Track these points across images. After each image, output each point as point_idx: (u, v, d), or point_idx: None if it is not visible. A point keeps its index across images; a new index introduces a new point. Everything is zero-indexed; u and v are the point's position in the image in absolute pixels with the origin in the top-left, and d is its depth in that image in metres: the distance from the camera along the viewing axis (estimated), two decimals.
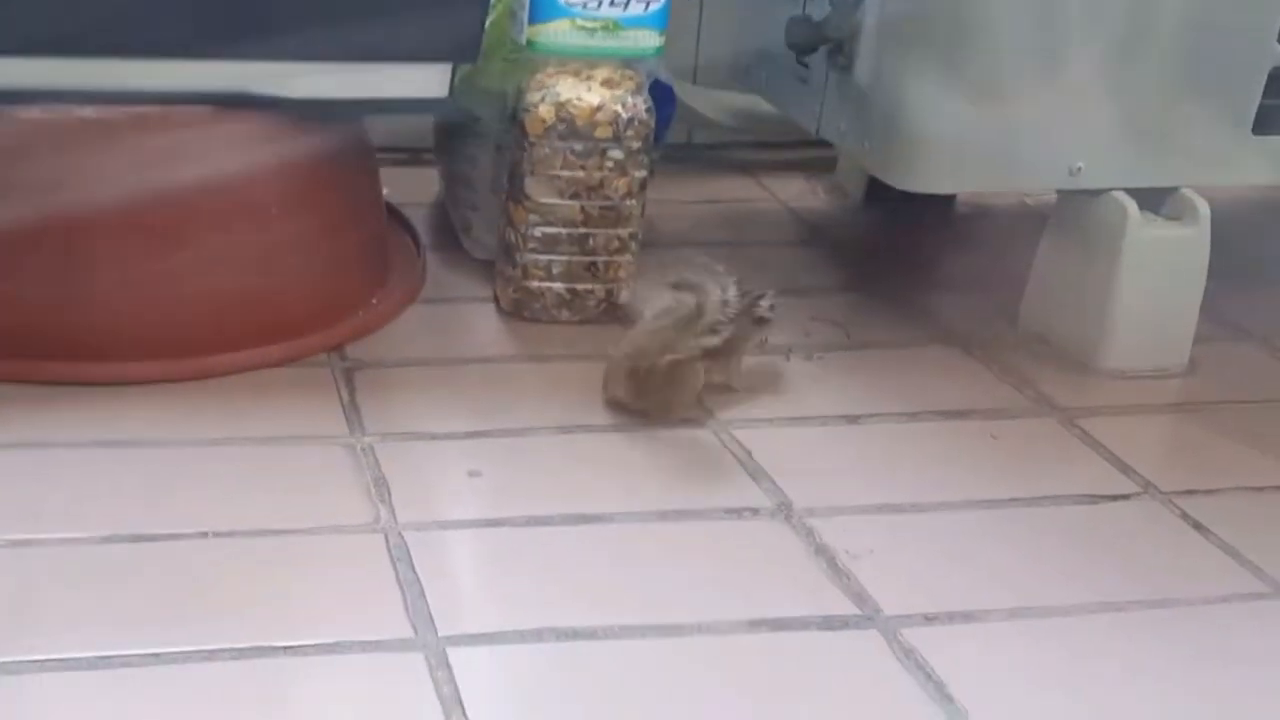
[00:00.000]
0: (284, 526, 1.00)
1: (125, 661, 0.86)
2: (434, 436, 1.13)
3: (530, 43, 1.28)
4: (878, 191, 1.60)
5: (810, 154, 1.72)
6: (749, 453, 1.13)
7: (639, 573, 0.98)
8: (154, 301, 1.18)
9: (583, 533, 1.02)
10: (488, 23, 1.25)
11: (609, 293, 1.31)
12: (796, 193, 1.70)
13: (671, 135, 1.53)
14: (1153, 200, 1.29)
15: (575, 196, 1.28)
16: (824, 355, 1.30)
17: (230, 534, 0.99)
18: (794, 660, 0.91)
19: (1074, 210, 1.32)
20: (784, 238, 1.59)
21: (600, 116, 1.26)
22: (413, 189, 1.52)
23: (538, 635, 0.91)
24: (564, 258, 1.30)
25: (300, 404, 1.15)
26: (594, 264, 1.30)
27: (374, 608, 0.92)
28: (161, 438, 1.09)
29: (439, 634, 0.90)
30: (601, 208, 1.29)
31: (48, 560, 0.95)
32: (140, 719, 0.82)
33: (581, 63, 1.28)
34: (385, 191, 1.38)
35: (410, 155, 1.59)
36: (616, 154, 1.27)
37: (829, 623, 0.94)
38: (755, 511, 1.06)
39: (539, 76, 1.28)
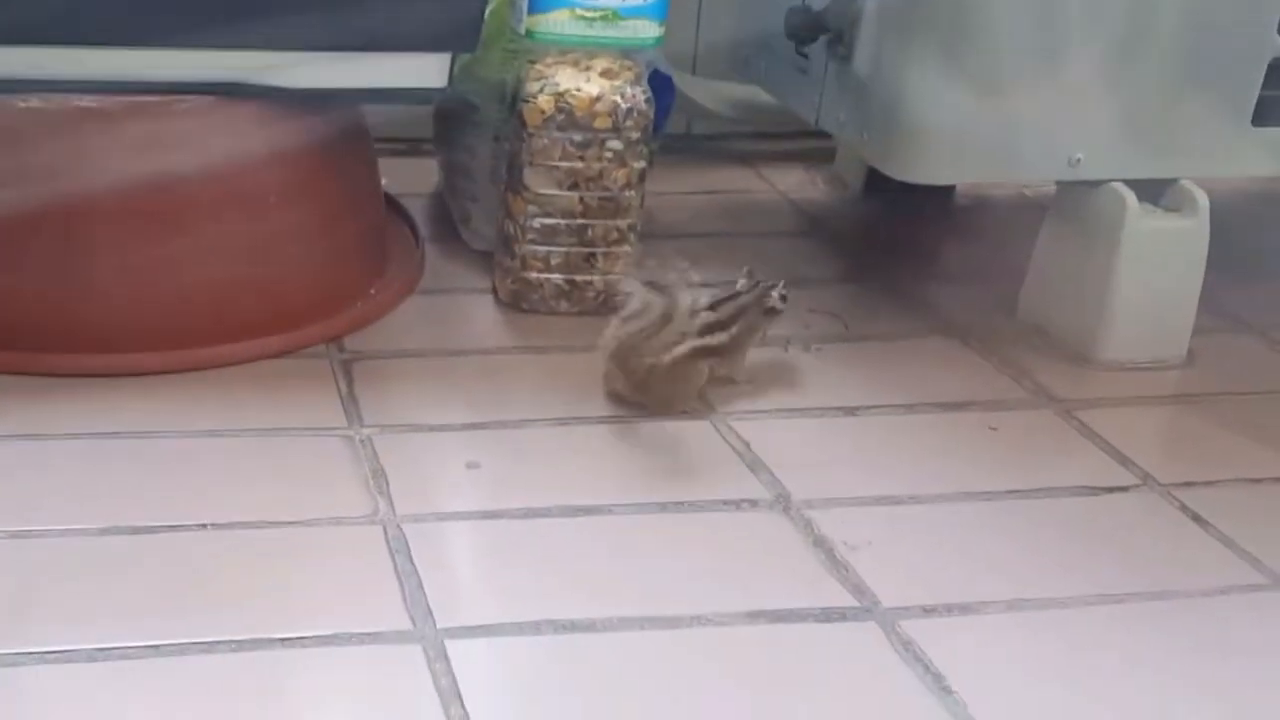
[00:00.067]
0: (282, 518, 1.00)
1: (124, 653, 0.86)
2: (432, 428, 1.13)
3: (529, 32, 1.28)
4: (877, 182, 1.60)
5: (809, 145, 1.72)
6: (747, 444, 1.13)
7: (637, 564, 0.98)
8: (152, 292, 1.18)
9: (581, 524, 1.02)
10: (487, 12, 1.25)
11: (608, 284, 1.31)
12: (795, 183, 1.70)
13: (670, 126, 1.52)
14: (1152, 191, 1.29)
15: (574, 187, 1.28)
16: (822, 347, 1.30)
17: (229, 526, 0.99)
18: (792, 652, 0.91)
19: (1073, 201, 1.32)
20: (783, 229, 1.59)
21: (599, 107, 1.26)
22: (411, 179, 1.52)
23: (536, 627, 0.91)
24: (563, 249, 1.30)
25: (299, 395, 1.15)
26: (593, 255, 1.30)
27: (372, 599, 0.92)
28: (160, 429, 1.09)
29: (437, 626, 0.90)
30: (600, 199, 1.28)
31: (47, 552, 0.95)
32: (139, 711, 0.82)
33: (581, 53, 1.28)
34: (384, 182, 1.38)
35: (409, 145, 1.59)
36: (615, 145, 1.27)
37: (827, 614, 0.94)
38: (754, 503, 1.06)
39: (538, 66, 1.28)
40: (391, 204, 1.42)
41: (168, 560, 0.95)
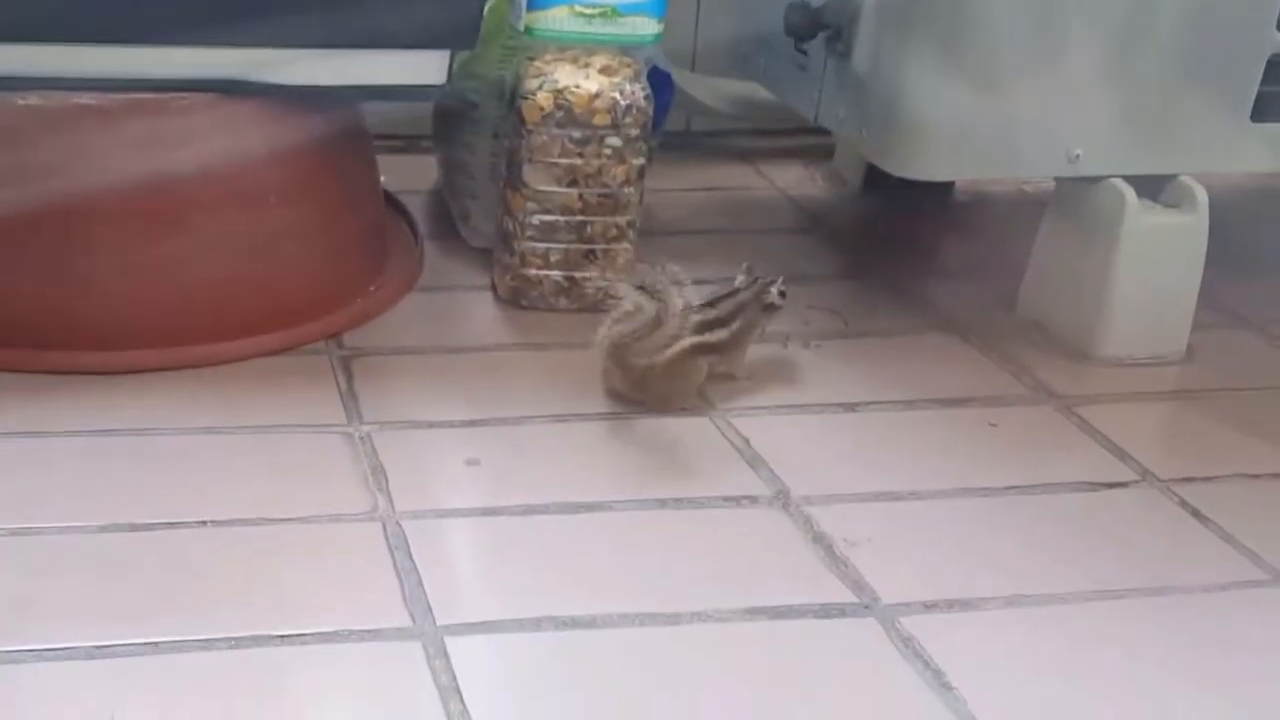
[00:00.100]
0: (282, 515, 1.00)
1: (124, 651, 0.86)
2: (432, 425, 1.13)
3: (528, 29, 1.28)
4: (876, 179, 1.60)
5: (809, 141, 1.72)
6: (747, 441, 1.13)
7: (637, 561, 0.98)
8: (152, 290, 1.18)
9: (580, 521, 1.02)
10: (486, 9, 1.25)
11: (607, 280, 1.31)
12: (795, 180, 1.70)
13: (670, 122, 1.52)
14: (1151, 187, 1.29)
15: (573, 184, 1.28)
16: (822, 343, 1.30)
17: (228, 523, 0.98)
18: (792, 648, 0.91)
19: (1072, 198, 1.32)
20: (782, 225, 1.59)
21: (598, 104, 1.26)
22: (410, 176, 1.52)
23: (536, 624, 0.91)
24: (562, 245, 1.29)
25: (298, 392, 1.15)
26: (592, 252, 1.30)
27: (371, 596, 0.92)
28: (159, 426, 1.09)
29: (437, 623, 0.90)
30: (599, 195, 1.28)
31: (46, 549, 0.95)
32: (138, 708, 0.82)
33: (580, 49, 1.28)
34: (383, 179, 1.38)
35: (408, 142, 1.59)
36: (614, 141, 1.27)
37: (827, 611, 0.94)
38: (753, 500, 1.06)
39: (537, 63, 1.28)
40: (391, 201, 1.42)
41: (167, 558, 0.95)
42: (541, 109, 1.26)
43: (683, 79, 1.56)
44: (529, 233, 1.29)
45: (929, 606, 0.95)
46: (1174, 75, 1.26)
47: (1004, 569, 1.00)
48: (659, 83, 1.35)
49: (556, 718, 0.84)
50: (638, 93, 1.27)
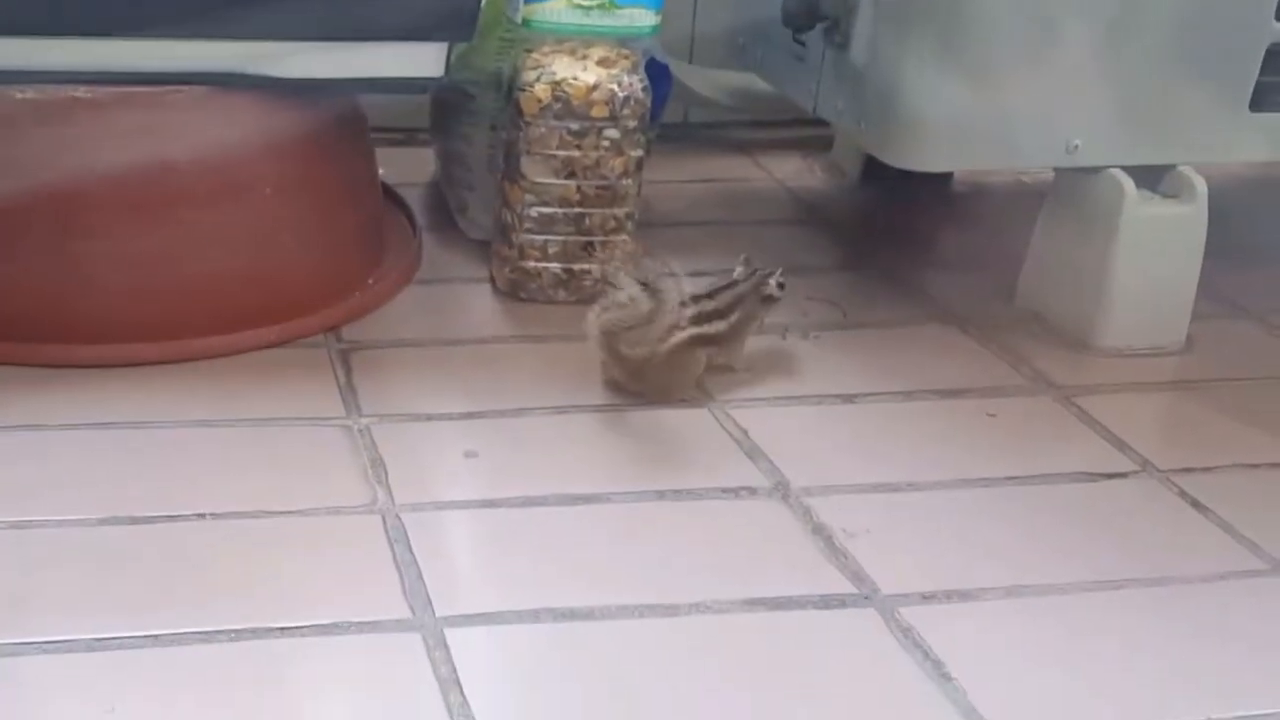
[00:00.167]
0: (281, 508, 1.00)
1: (123, 643, 0.86)
2: (430, 417, 1.13)
3: (526, 21, 1.28)
4: (874, 170, 1.60)
5: (807, 132, 1.71)
6: (745, 432, 1.13)
7: (636, 552, 0.98)
8: (149, 283, 1.17)
9: (579, 513, 1.02)
10: (484, 1, 1.25)
11: (604, 276, 1.30)
12: (793, 171, 1.70)
13: (668, 114, 1.52)
14: (1150, 178, 1.29)
15: (571, 176, 1.28)
16: (820, 334, 1.30)
17: (227, 516, 0.98)
18: (791, 639, 0.91)
19: (1071, 188, 1.31)
20: (780, 216, 1.59)
21: (596, 95, 1.26)
22: (408, 169, 1.52)
23: (535, 615, 0.91)
24: (560, 237, 1.29)
25: (297, 385, 1.15)
26: (590, 244, 1.30)
27: (371, 588, 0.92)
28: (158, 420, 1.09)
29: (436, 614, 0.90)
30: (598, 187, 1.28)
31: (46, 542, 0.95)
32: (139, 701, 0.82)
33: (577, 41, 1.28)
34: (381, 172, 1.38)
35: (406, 135, 1.58)
36: (612, 133, 1.27)
37: (826, 601, 0.94)
38: (752, 491, 1.06)
39: (535, 55, 1.28)
40: (389, 194, 1.42)
41: (166, 550, 0.95)
42: (539, 101, 1.26)
43: (680, 70, 1.56)
44: (527, 225, 1.29)
45: (928, 597, 0.95)
46: (1172, 65, 1.26)
47: (1003, 559, 1.00)
48: (657, 74, 1.35)
49: (556, 708, 0.84)
50: (635, 84, 1.27)
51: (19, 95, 1.13)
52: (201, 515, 0.98)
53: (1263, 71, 1.28)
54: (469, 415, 1.13)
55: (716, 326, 1.17)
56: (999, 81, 1.24)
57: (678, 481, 1.06)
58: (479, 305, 1.32)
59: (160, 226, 1.17)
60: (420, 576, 0.93)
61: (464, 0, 1.21)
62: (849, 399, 1.20)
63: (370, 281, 1.30)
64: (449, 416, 1.13)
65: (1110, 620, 0.95)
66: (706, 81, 1.66)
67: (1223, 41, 1.27)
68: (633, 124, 1.27)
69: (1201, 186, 1.29)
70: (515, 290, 1.32)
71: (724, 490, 1.06)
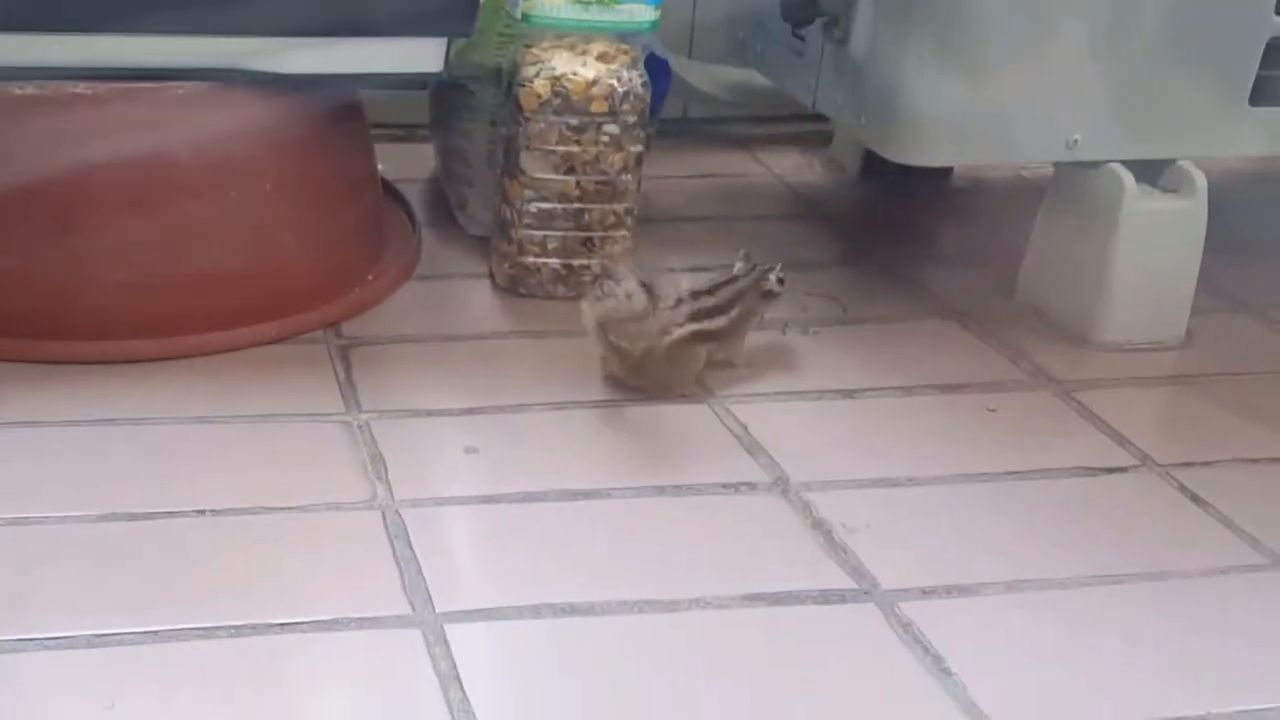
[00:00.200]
0: (281, 504, 1.00)
1: (123, 640, 0.86)
2: (430, 413, 1.13)
3: (525, 16, 1.27)
4: (874, 165, 1.60)
5: (806, 128, 1.71)
6: (745, 427, 1.13)
7: (635, 548, 0.98)
8: (149, 280, 1.17)
9: (579, 508, 1.02)
10: None
11: (604, 268, 1.30)
12: (792, 167, 1.70)
13: (667, 109, 1.52)
14: (1150, 172, 1.29)
15: (570, 171, 1.28)
16: (820, 330, 1.30)
17: (227, 512, 0.98)
18: (791, 634, 0.91)
19: (1071, 183, 1.31)
20: (780, 212, 1.59)
21: (595, 91, 1.26)
22: (408, 165, 1.52)
23: (535, 611, 0.91)
24: (559, 233, 1.29)
25: (296, 381, 1.15)
26: (590, 239, 1.30)
27: (371, 584, 0.92)
28: (157, 416, 1.09)
29: (436, 610, 0.90)
30: (597, 182, 1.28)
31: (45, 539, 0.95)
32: (139, 697, 0.82)
33: (577, 37, 1.28)
34: (380, 167, 1.38)
35: (405, 131, 1.58)
36: (612, 129, 1.27)
37: (826, 597, 0.94)
38: (752, 486, 1.06)
39: (534, 51, 1.27)
40: (388, 190, 1.42)
41: (166, 547, 0.95)
42: (539, 96, 1.26)
43: (680, 65, 1.56)
44: (526, 220, 1.29)
45: (928, 592, 0.95)
46: (1172, 59, 1.26)
47: (1003, 554, 1.00)
48: (656, 69, 1.35)
49: (556, 704, 0.84)
50: (635, 80, 1.27)
51: (18, 91, 1.13)
52: (201, 511, 0.98)
53: (1262, 66, 1.28)
54: (468, 411, 1.13)
55: (717, 322, 1.17)
56: (998, 76, 1.24)
57: (677, 477, 1.06)
58: (478, 301, 1.32)
59: (160, 223, 1.17)
60: (420, 572, 0.93)
61: None
62: (849, 394, 1.20)
63: (370, 277, 1.30)
64: (448, 412, 1.13)
65: (1110, 615, 0.95)
66: (706, 76, 1.66)
67: (1222, 36, 1.27)
68: (632, 119, 1.27)
69: (1201, 181, 1.29)
70: (515, 286, 1.32)
71: (724, 485, 1.06)
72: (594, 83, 1.26)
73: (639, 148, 1.29)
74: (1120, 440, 1.15)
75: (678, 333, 1.14)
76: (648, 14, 1.28)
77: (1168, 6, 1.25)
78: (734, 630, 0.91)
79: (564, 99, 1.26)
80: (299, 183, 1.23)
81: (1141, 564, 1.00)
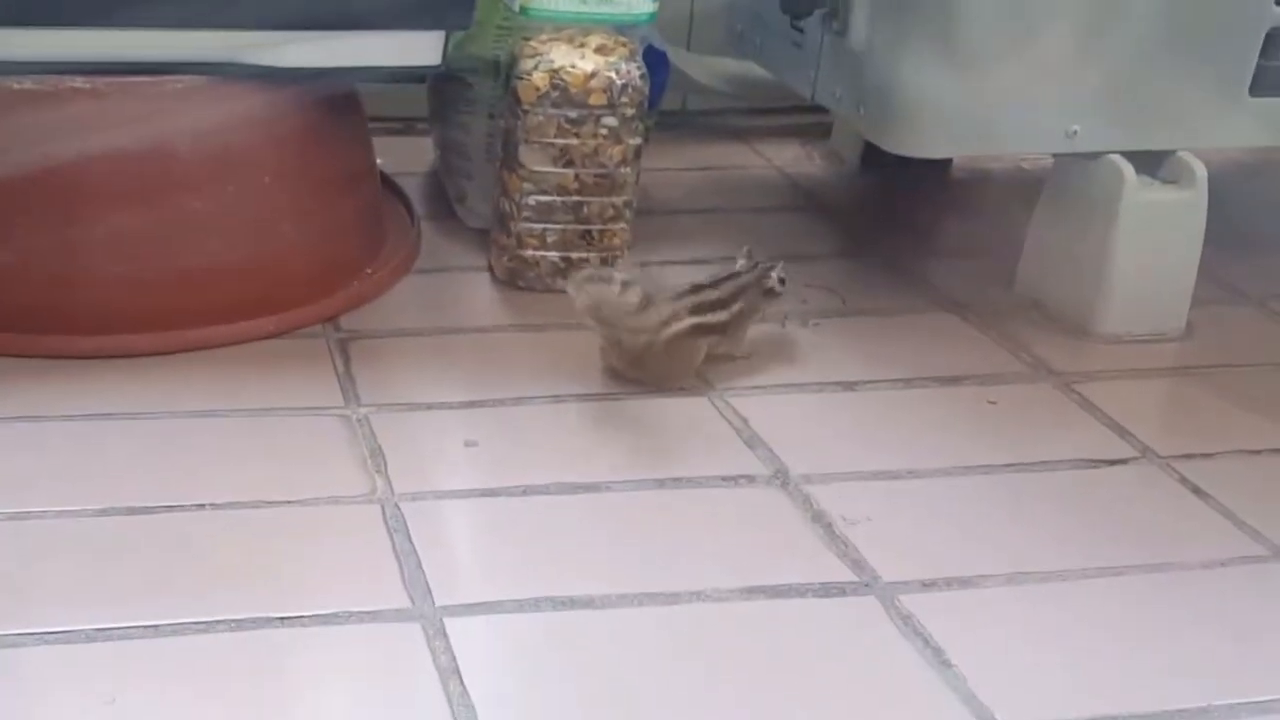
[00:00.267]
0: (280, 498, 1.00)
1: (123, 634, 0.86)
2: (429, 406, 1.13)
3: (523, 9, 1.27)
4: (873, 157, 1.60)
5: (805, 119, 1.71)
6: (745, 420, 1.13)
7: (635, 541, 0.98)
8: (147, 274, 1.17)
9: (579, 501, 1.02)
10: None
11: (604, 261, 1.30)
12: (792, 158, 1.70)
13: (666, 102, 1.52)
14: (1149, 163, 1.29)
15: (569, 164, 1.27)
16: (820, 322, 1.29)
17: (226, 506, 0.98)
18: (791, 627, 0.91)
19: (1070, 174, 1.31)
20: (779, 204, 1.59)
21: (594, 83, 1.25)
22: (406, 158, 1.52)
23: (534, 604, 0.91)
24: (558, 226, 1.29)
25: (295, 375, 1.15)
26: (589, 232, 1.30)
27: (371, 578, 0.92)
28: (157, 410, 1.09)
29: (436, 604, 0.90)
30: (596, 175, 1.28)
31: (44, 533, 0.95)
32: (138, 691, 0.82)
33: (575, 29, 1.28)
34: (379, 161, 1.38)
35: (404, 124, 1.58)
36: (610, 121, 1.27)
37: (826, 590, 0.94)
38: (752, 479, 1.06)
39: (532, 43, 1.27)
40: (387, 183, 1.42)
41: (165, 541, 0.95)
42: (537, 89, 1.25)
43: (678, 58, 1.56)
44: (525, 213, 1.29)
45: (928, 584, 0.95)
46: (1171, 50, 1.26)
47: (1003, 546, 1.00)
48: (655, 62, 1.35)
49: (555, 697, 0.84)
50: (633, 72, 1.27)
51: (16, 86, 1.13)
52: (200, 505, 0.98)
53: (1262, 55, 1.28)
54: (468, 404, 1.13)
55: (718, 316, 1.17)
56: (998, 67, 1.24)
57: (677, 470, 1.06)
58: (477, 294, 1.32)
59: (158, 217, 1.17)
60: (420, 566, 0.93)
61: None
62: (849, 386, 1.20)
63: (368, 271, 1.30)
64: (448, 405, 1.13)
65: (1110, 607, 0.95)
66: (704, 69, 1.65)
67: (1222, 26, 1.27)
68: (631, 112, 1.27)
69: (1201, 172, 1.28)
70: (514, 279, 1.31)
71: (724, 479, 1.06)
72: (592, 75, 1.25)
73: (638, 140, 1.28)
74: (1121, 432, 1.15)
75: (678, 325, 1.14)
76: (646, 6, 1.28)
77: None
78: (734, 623, 0.91)
79: (562, 91, 1.25)
80: (297, 176, 1.23)
81: (1142, 556, 1.00)
